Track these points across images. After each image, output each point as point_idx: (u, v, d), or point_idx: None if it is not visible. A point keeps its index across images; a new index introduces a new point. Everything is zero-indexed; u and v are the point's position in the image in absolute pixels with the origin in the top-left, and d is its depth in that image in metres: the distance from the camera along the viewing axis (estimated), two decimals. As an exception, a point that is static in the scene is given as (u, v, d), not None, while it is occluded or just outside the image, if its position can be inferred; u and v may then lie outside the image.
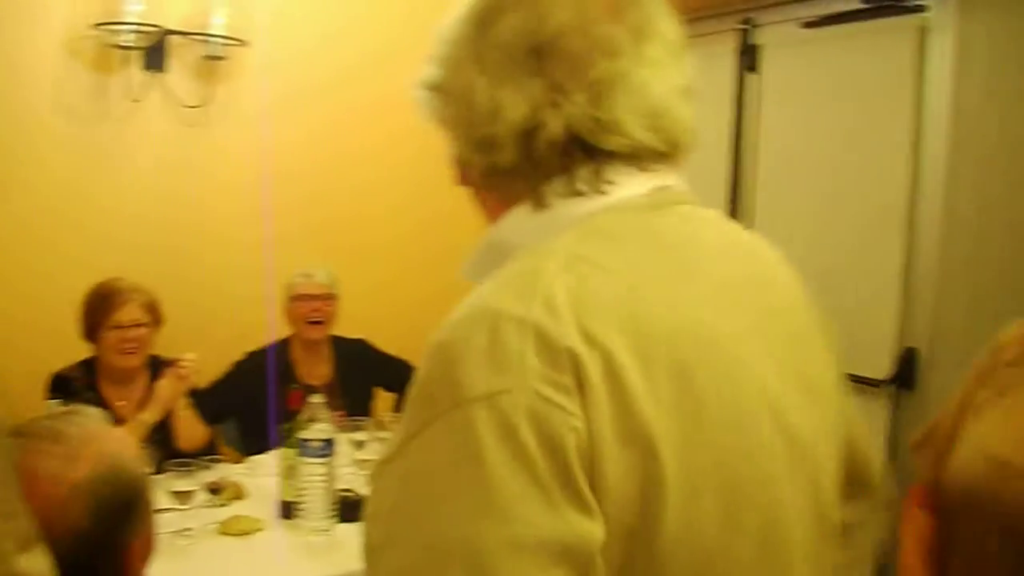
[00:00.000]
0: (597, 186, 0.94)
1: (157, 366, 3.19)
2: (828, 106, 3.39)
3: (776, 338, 0.97)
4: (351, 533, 2.62)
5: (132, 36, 3.59)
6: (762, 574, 0.90)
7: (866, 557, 1.21)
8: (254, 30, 3.84)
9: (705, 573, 0.84)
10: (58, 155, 3.59)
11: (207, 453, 2.95)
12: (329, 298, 3.63)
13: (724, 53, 3.72)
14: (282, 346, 3.65)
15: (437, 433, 0.80)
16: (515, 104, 0.93)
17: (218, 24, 3.73)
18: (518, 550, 0.75)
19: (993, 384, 1.66)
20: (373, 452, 2.98)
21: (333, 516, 2.58)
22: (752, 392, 0.91)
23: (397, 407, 3.58)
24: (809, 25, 3.37)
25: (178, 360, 3.10)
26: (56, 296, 3.38)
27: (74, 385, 3.05)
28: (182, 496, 2.51)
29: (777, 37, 3.59)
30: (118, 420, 2.86)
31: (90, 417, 1.42)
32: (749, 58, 3.67)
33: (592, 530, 0.77)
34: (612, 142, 0.94)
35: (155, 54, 3.71)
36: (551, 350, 0.79)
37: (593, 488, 0.78)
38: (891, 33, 3.15)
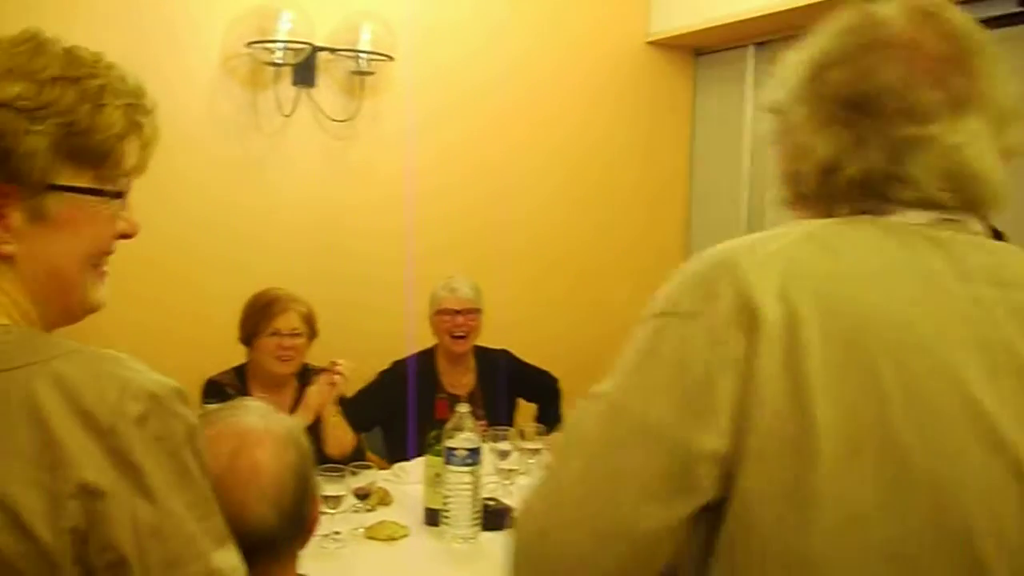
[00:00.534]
0: (881, 212, 1.04)
1: (307, 374, 3.29)
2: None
3: (1013, 370, 0.97)
4: (495, 542, 2.64)
5: (283, 53, 3.71)
6: (939, 559, 0.93)
7: None
8: (400, 46, 3.92)
9: (861, 536, 0.91)
10: (213, 168, 3.74)
11: (354, 459, 3.01)
12: (472, 312, 3.64)
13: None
14: (427, 355, 3.70)
15: (639, 329, 1.01)
16: (825, 147, 1.05)
17: (365, 40, 3.82)
18: (638, 426, 0.96)
19: None
20: (516, 462, 3.00)
21: (477, 524, 2.61)
22: (949, 395, 0.94)
23: (539, 418, 3.60)
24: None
25: (333, 364, 3.20)
26: (208, 304, 3.53)
27: (227, 390, 3.15)
28: (331, 500, 2.56)
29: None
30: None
31: (261, 406, 1.51)
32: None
33: (703, 441, 0.93)
34: (904, 194, 1.03)
35: (304, 70, 3.83)
36: (741, 296, 0.94)
37: (741, 416, 0.92)
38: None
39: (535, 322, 4.26)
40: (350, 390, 3.44)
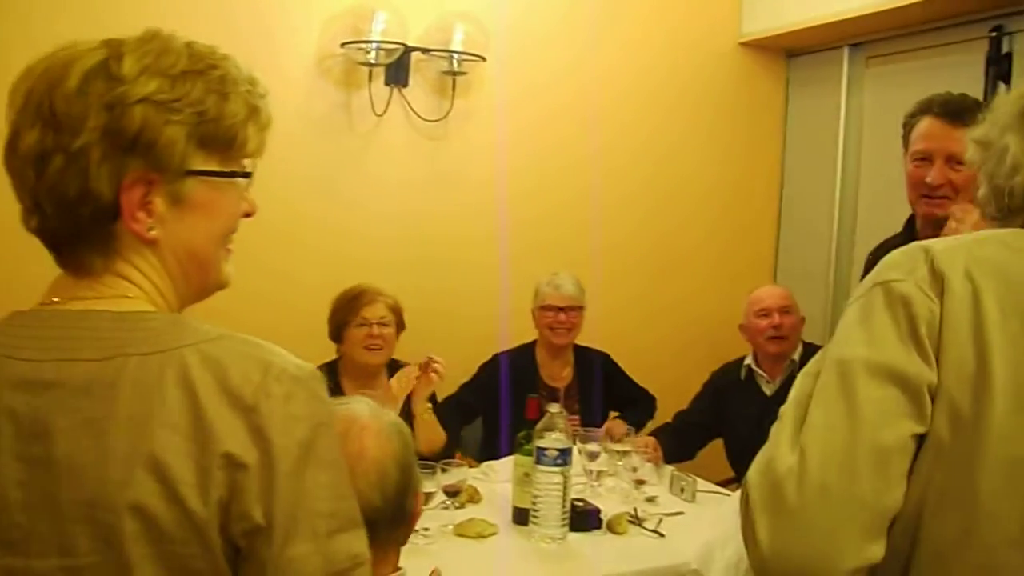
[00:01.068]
0: None
1: (396, 369, 3.34)
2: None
3: None
4: (583, 542, 2.65)
5: (376, 53, 3.75)
6: None
7: None
8: (492, 46, 3.94)
9: (1020, 477, 1.10)
10: (308, 167, 3.79)
11: (444, 457, 3.03)
12: (574, 310, 3.68)
13: (972, 63, 3.51)
14: (526, 349, 3.76)
15: (860, 299, 1.23)
16: None
17: (458, 40, 3.85)
18: (872, 367, 1.15)
19: None
20: (605, 463, 2.99)
21: (566, 525, 2.62)
22: None
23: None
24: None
25: (430, 360, 3.25)
26: (304, 297, 3.58)
27: (319, 385, 3.20)
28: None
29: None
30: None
31: (368, 400, 1.56)
32: (1001, 68, 3.48)
33: (923, 371, 1.14)
34: None
35: (397, 70, 3.87)
36: (934, 270, 1.18)
37: (936, 356, 1.14)
38: None
39: (628, 325, 4.29)
40: (440, 391, 3.48)
